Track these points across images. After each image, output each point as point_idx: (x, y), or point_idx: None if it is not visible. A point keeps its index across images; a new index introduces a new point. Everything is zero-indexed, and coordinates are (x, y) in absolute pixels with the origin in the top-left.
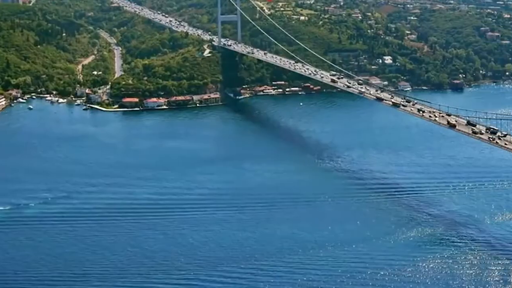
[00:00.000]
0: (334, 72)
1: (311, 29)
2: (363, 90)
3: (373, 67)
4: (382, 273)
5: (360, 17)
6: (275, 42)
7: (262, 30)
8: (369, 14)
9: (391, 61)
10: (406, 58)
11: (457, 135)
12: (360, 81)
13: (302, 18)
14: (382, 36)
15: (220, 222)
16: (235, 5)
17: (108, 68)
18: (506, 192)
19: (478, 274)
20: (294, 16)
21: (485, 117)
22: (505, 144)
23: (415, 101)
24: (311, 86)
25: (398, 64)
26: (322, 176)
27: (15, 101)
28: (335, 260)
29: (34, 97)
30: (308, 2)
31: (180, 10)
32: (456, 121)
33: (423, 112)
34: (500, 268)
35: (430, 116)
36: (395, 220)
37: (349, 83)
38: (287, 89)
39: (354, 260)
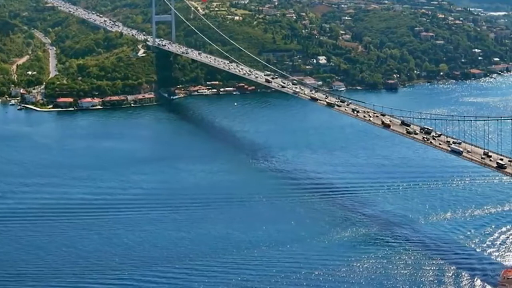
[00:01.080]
0: (269, 72)
1: (246, 29)
2: (297, 90)
3: (307, 67)
4: (317, 273)
5: (295, 17)
6: (210, 42)
7: (196, 30)
8: (304, 14)
9: (325, 61)
10: (340, 58)
11: (392, 135)
12: (294, 81)
13: (236, 18)
14: (316, 36)
15: (154, 222)
16: (169, 5)
17: (42, 68)
18: (440, 192)
19: (412, 274)
20: (229, 16)
21: (419, 117)
22: (439, 144)
23: (350, 101)
24: (246, 86)
25: (333, 64)
26: (257, 176)
27: None
28: (270, 260)
29: None
30: (243, 2)
31: (114, 10)
32: (390, 121)
33: (358, 112)
34: (434, 268)
35: (364, 116)
36: (329, 220)
37: (284, 83)
38: (222, 89)
39: (289, 260)
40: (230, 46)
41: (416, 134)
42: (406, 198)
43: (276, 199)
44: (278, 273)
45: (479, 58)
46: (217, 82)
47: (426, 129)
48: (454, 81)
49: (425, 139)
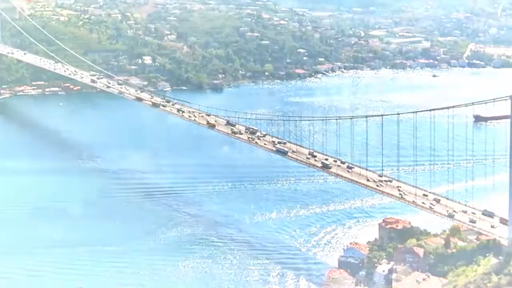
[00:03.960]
0: (94, 72)
1: (71, 29)
2: (123, 90)
3: (132, 67)
4: (142, 273)
5: (120, 18)
6: (35, 42)
7: (22, 30)
8: (129, 14)
9: (150, 61)
10: (165, 58)
11: (217, 135)
12: (120, 81)
13: (62, 18)
14: (141, 37)
15: None
16: None
17: None
18: (265, 192)
19: (237, 274)
20: (54, 17)
21: (244, 117)
22: (265, 144)
23: (175, 101)
24: (71, 86)
25: (158, 64)
26: (82, 176)
27: None
28: (95, 260)
29: None
30: (68, 2)
31: None
32: (215, 121)
33: (183, 112)
34: (259, 267)
35: (189, 116)
36: (155, 220)
37: (109, 83)
38: (47, 89)
39: (113, 260)
40: (55, 46)
41: (241, 134)
42: (231, 198)
43: (103, 199)
44: (103, 273)
45: (304, 58)
46: (42, 82)
47: (251, 129)
48: (279, 81)
49: (250, 139)
